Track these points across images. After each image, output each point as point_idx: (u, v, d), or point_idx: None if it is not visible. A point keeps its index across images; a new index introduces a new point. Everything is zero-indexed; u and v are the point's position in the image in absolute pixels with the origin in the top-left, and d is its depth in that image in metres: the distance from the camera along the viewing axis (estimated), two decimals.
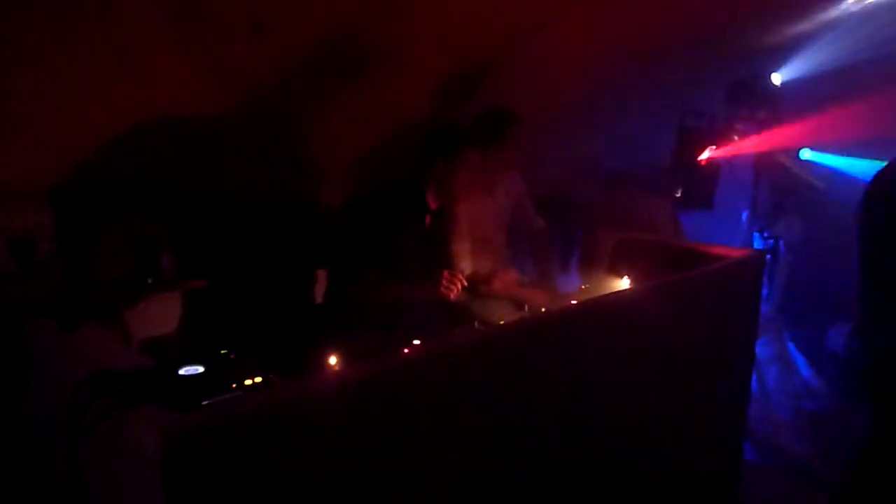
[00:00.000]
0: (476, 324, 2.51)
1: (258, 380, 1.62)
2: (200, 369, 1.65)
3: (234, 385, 1.58)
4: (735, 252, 2.75)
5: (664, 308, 2.10)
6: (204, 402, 1.47)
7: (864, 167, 4.24)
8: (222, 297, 2.95)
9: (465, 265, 3.04)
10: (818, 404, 4.33)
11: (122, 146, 2.58)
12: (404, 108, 3.37)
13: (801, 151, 4.15)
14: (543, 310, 2.68)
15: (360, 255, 2.65)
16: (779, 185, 4.12)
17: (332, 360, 2.04)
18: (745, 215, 4.39)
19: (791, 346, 4.32)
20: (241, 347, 1.91)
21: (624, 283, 2.75)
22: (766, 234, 4.21)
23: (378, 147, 3.48)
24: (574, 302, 2.83)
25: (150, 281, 2.81)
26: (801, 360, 4.66)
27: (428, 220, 2.85)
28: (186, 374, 1.63)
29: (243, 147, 2.93)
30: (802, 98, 4.21)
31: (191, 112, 2.67)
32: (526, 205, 3.45)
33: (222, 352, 1.84)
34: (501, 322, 2.52)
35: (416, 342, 2.27)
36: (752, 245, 4.39)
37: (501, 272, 3.05)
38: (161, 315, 2.88)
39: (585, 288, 3.06)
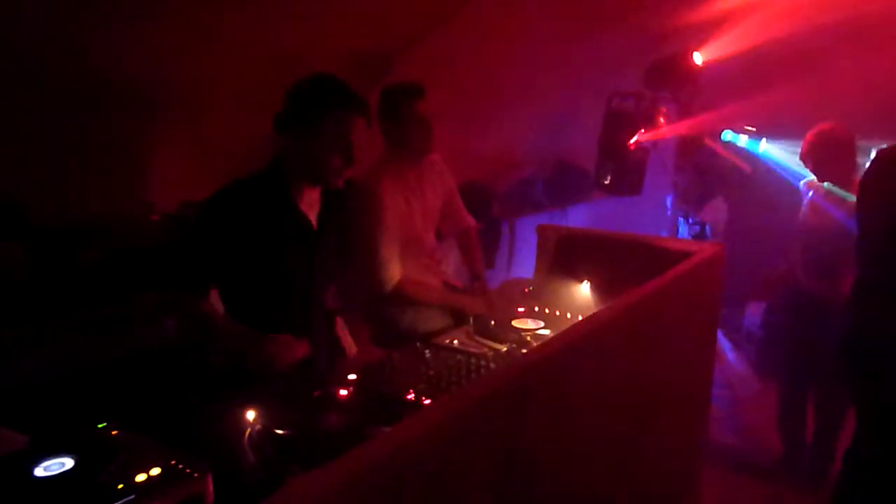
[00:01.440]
0: (418, 345, 2.12)
1: (156, 472, 1.16)
2: (68, 463, 1.17)
3: (121, 485, 1.11)
4: (692, 245, 2.52)
5: (649, 322, 1.80)
6: None
7: (783, 148, 4.19)
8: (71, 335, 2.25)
9: (395, 271, 2.63)
10: (747, 390, 4.30)
11: None
12: None
13: (723, 133, 4.03)
14: (493, 322, 2.33)
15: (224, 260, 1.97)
16: (703, 168, 3.99)
17: (250, 415, 1.59)
18: (669, 200, 4.26)
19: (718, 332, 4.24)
20: (124, 413, 1.43)
21: (584, 289, 2.44)
22: (691, 220, 4.08)
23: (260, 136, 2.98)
24: (521, 309, 2.52)
25: None
26: (726, 345, 4.62)
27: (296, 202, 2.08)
28: (47, 475, 1.14)
29: (69, 142, 2.30)
30: (724, 78, 4.09)
31: None
32: (456, 202, 3.07)
33: (100, 426, 1.35)
34: (454, 343, 2.15)
35: (351, 377, 1.86)
36: (676, 231, 4.26)
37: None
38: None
39: (530, 291, 2.75)
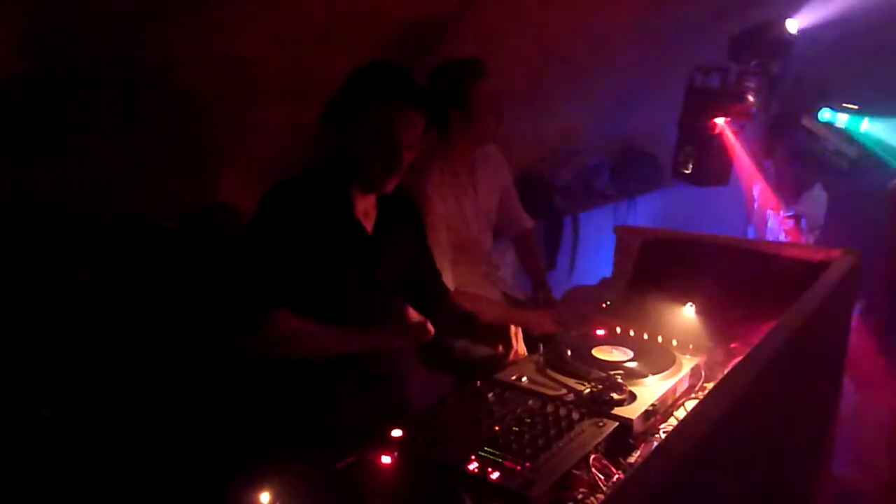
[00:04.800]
0: (479, 384, 1.69)
1: None
2: None
3: None
4: (815, 253, 2.03)
5: (792, 358, 1.34)
6: None
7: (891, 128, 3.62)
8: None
9: (446, 280, 2.22)
10: (847, 405, 3.76)
11: None
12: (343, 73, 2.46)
13: (821, 112, 3.48)
14: (570, 352, 1.88)
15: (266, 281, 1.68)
16: (799, 153, 3.46)
17: (264, 499, 1.19)
18: (756, 189, 3.73)
19: None
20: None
21: (688, 312, 1.98)
22: (783, 213, 3.55)
23: (312, 129, 2.58)
24: (601, 332, 2.06)
25: None
26: None
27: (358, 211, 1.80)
28: None
29: (90, 136, 1.94)
30: (821, 49, 3.53)
31: None
32: (513, 199, 2.66)
33: None
34: (522, 380, 1.71)
35: (396, 433, 1.45)
36: (766, 226, 3.74)
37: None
38: None
39: (608, 307, 2.30)
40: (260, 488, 1.21)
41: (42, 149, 1.91)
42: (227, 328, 1.69)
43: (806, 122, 3.34)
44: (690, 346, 1.90)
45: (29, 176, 1.95)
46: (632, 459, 1.46)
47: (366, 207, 1.82)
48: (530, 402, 1.61)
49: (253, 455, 1.58)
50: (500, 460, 1.34)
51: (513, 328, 1.79)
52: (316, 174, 1.78)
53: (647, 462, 0.86)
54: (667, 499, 0.80)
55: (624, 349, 1.90)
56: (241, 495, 1.23)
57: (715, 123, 3.16)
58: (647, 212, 4.34)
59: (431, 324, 2.04)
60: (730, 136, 3.16)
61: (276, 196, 1.72)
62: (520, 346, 1.79)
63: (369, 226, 1.82)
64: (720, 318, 1.96)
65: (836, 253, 1.94)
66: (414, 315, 1.69)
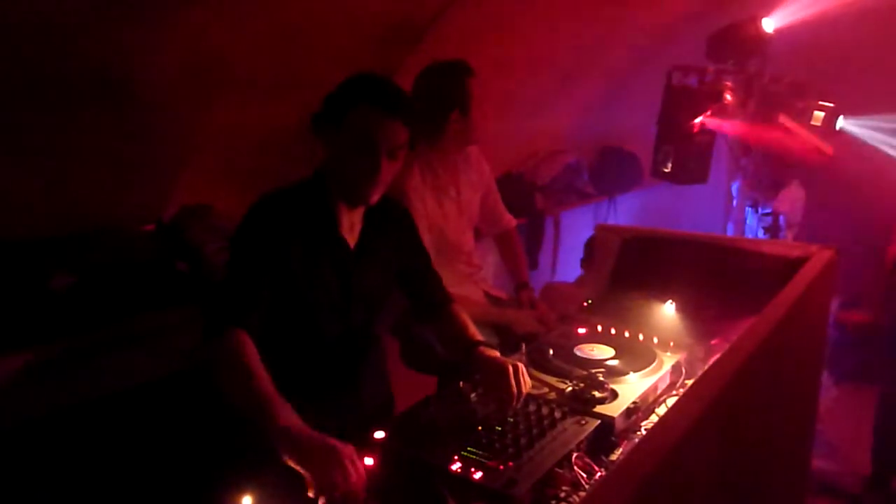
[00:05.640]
0: (462, 385, 1.69)
1: None
2: None
3: None
4: (793, 249, 2.06)
5: (772, 357, 1.36)
6: None
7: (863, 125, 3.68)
8: None
9: None
10: (825, 399, 3.81)
11: None
12: (322, 73, 2.45)
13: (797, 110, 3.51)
14: (552, 351, 1.89)
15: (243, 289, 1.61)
16: (776, 149, 3.49)
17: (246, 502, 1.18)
18: (735, 186, 3.76)
19: None
20: None
21: (668, 310, 1.99)
22: (762, 210, 3.59)
23: (290, 130, 2.56)
24: (582, 330, 2.06)
25: None
26: None
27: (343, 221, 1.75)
28: None
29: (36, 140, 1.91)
30: (797, 47, 3.57)
31: None
32: (495, 198, 2.66)
33: None
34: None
35: (379, 435, 1.44)
36: (744, 222, 3.78)
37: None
38: None
39: (588, 305, 2.31)
40: (243, 490, 1.20)
41: (20, 152, 1.88)
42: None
43: (783, 119, 3.37)
44: (671, 344, 1.91)
45: (5, 181, 1.92)
46: (614, 457, 1.47)
47: (352, 221, 1.78)
48: None
49: (236, 457, 1.56)
50: (483, 460, 1.34)
51: (510, 368, 1.58)
52: (303, 187, 1.74)
53: (628, 459, 0.86)
54: (649, 495, 0.81)
55: (605, 347, 1.91)
56: (223, 497, 1.21)
57: (693, 122, 3.18)
58: (627, 210, 4.37)
59: (432, 334, 2.03)
60: (708, 135, 3.18)
61: (259, 211, 1.68)
62: (524, 384, 1.64)
63: (353, 240, 1.78)
64: (700, 315, 1.97)
65: (813, 249, 1.96)
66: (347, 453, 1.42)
